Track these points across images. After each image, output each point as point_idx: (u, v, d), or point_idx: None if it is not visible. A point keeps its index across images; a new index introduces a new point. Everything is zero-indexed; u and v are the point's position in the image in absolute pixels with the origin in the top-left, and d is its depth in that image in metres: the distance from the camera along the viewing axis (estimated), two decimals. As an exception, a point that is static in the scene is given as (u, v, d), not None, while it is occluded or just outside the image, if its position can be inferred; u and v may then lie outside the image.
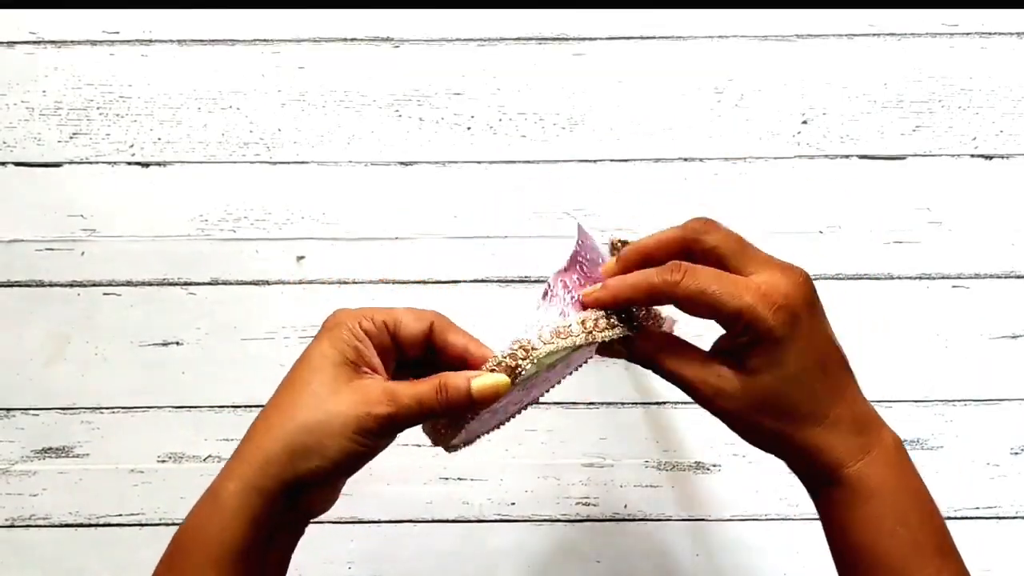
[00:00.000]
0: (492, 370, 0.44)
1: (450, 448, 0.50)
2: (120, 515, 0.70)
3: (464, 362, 0.46)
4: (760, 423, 0.45)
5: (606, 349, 0.48)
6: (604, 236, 0.69)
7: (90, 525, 0.70)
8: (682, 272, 0.44)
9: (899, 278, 0.70)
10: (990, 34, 0.69)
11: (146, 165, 0.70)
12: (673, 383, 0.47)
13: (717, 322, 0.45)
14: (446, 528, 0.70)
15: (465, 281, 0.70)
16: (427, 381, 0.44)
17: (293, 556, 0.70)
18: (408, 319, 0.46)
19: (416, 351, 0.47)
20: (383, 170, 0.70)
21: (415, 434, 0.70)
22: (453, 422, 0.47)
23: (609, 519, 0.71)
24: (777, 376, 0.43)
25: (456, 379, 0.44)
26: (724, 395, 0.45)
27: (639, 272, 0.46)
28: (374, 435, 0.43)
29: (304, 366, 0.44)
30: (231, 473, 0.43)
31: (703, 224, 0.47)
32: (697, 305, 0.44)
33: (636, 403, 0.70)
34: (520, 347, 0.45)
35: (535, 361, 0.45)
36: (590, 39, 0.69)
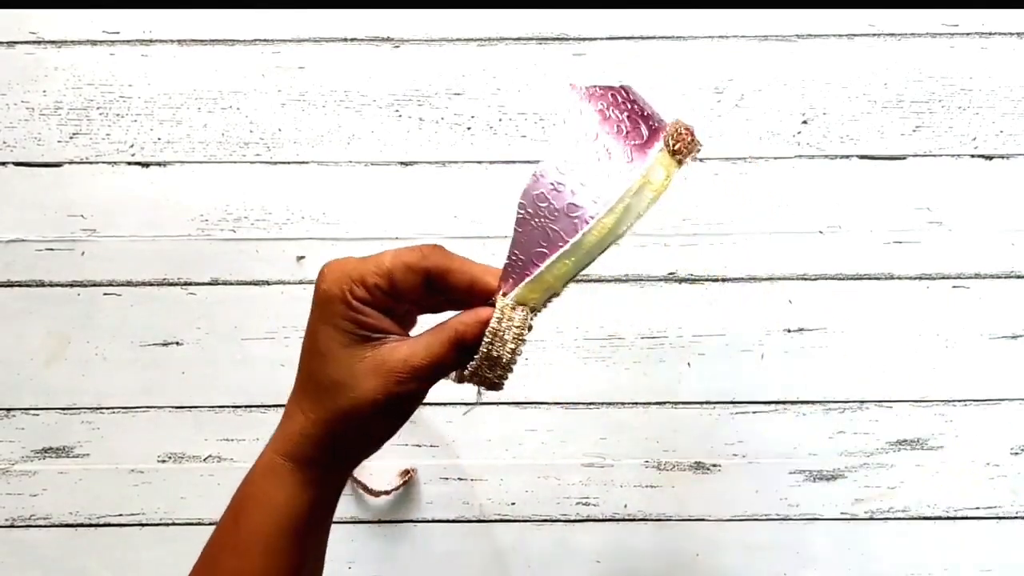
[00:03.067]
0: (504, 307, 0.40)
1: (498, 383, 0.43)
2: (120, 515, 0.70)
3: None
4: None
5: None
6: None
7: (90, 525, 0.70)
8: None
9: (899, 278, 0.70)
10: (990, 34, 0.69)
11: (146, 165, 0.70)
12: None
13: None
14: (446, 528, 0.70)
15: (465, 281, 0.70)
16: (439, 331, 0.41)
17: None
18: (401, 272, 0.41)
19: (426, 300, 0.43)
20: (383, 170, 0.70)
21: (414, 435, 0.70)
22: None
23: (609, 519, 0.71)
24: None
25: (467, 326, 0.40)
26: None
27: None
28: (409, 404, 0.42)
29: (316, 354, 0.41)
30: (285, 450, 0.42)
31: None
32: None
33: (636, 403, 0.70)
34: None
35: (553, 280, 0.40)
36: (590, 39, 0.69)
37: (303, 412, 0.41)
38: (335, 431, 0.41)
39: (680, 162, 0.41)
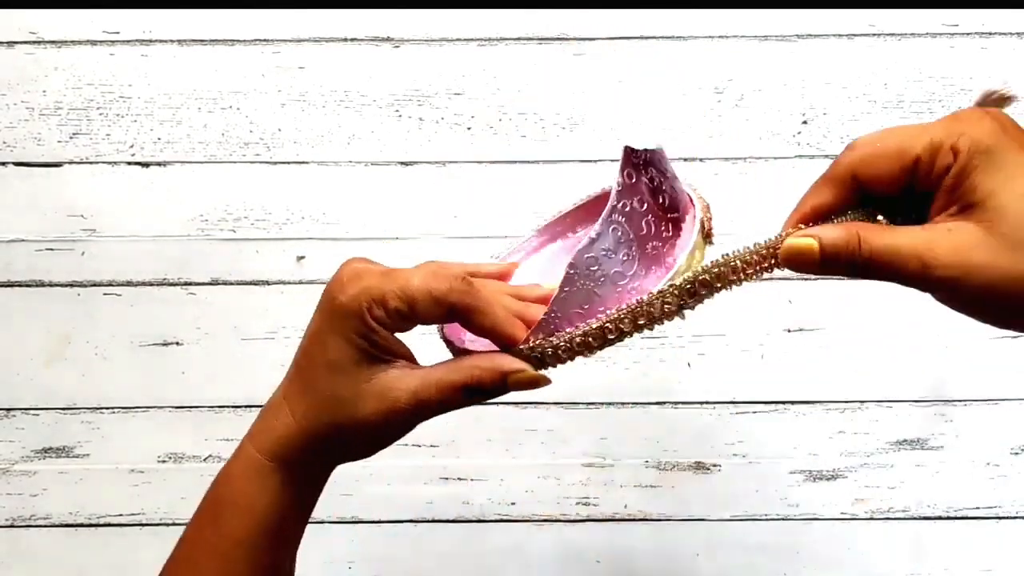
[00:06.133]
0: (530, 353, 0.39)
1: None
2: (120, 515, 0.70)
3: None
4: None
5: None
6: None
7: (90, 525, 0.70)
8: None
9: (899, 278, 0.70)
10: (990, 34, 0.69)
11: (146, 165, 0.70)
12: (881, 275, 0.38)
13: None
14: (446, 528, 0.70)
15: (465, 281, 0.70)
16: (453, 370, 0.40)
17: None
18: (425, 302, 0.38)
19: (443, 323, 0.42)
20: (383, 170, 0.70)
21: (414, 435, 0.70)
22: None
23: (609, 519, 0.71)
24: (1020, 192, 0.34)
25: (484, 372, 0.39)
26: (976, 251, 0.34)
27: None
28: (403, 432, 0.41)
29: (321, 363, 0.40)
30: (269, 449, 0.41)
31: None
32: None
33: (636, 403, 0.70)
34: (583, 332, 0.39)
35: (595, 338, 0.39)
36: (590, 39, 0.69)
37: (293, 415, 0.41)
38: (325, 441, 0.40)
39: (709, 242, 0.42)
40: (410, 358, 0.41)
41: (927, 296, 0.68)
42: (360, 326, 0.39)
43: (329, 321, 0.40)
